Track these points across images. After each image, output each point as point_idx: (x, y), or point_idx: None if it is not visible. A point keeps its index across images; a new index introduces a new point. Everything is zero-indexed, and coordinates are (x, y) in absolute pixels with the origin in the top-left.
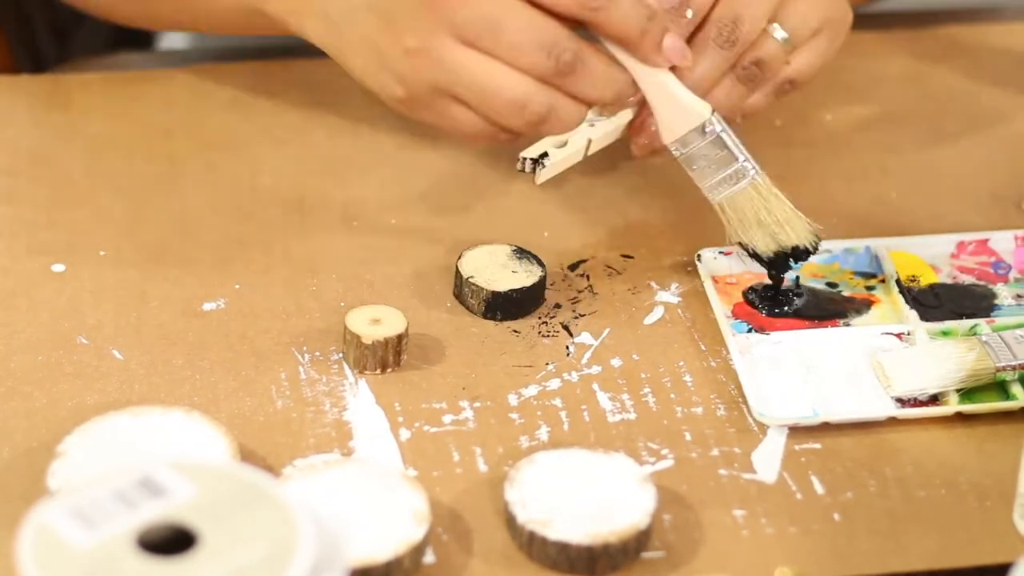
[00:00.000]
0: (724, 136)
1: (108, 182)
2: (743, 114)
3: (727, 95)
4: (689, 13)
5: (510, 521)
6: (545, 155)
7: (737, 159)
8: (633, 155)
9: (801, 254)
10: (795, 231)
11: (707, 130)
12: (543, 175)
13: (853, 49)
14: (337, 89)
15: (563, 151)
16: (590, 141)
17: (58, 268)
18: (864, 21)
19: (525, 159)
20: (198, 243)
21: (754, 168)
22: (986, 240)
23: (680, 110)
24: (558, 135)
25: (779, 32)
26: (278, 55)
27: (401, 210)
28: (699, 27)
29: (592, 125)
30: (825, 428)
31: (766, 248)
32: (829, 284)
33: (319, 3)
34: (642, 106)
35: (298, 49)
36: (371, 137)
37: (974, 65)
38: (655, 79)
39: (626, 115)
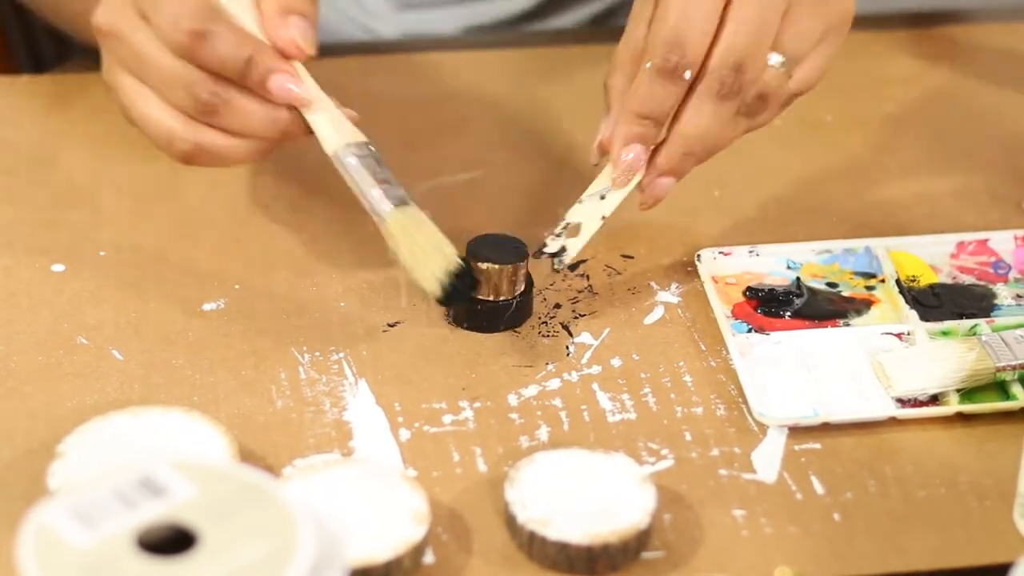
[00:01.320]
0: (351, 172)
1: (108, 182)
2: (750, 131)
3: (730, 133)
4: (687, 75)
5: (510, 521)
6: (563, 250)
7: (366, 199)
8: (642, 209)
9: (458, 290)
10: (424, 270)
11: (342, 158)
12: (565, 264)
13: (853, 49)
14: (337, 89)
15: (580, 240)
16: (603, 218)
17: (58, 268)
18: (864, 21)
19: (543, 252)
20: (198, 243)
21: (384, 210)
22: (986, 240)
23: (325, 135)
24: (226, 166)
25: (775, 58)
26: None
27: None
28: (698, 77)
29: (603, 198)
30: (825, 428)
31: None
32: (829, 284)
33: None
34: (648, 167)
35: None
36: (371, 137)
37: (974, 65)
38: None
39: (636, 180)
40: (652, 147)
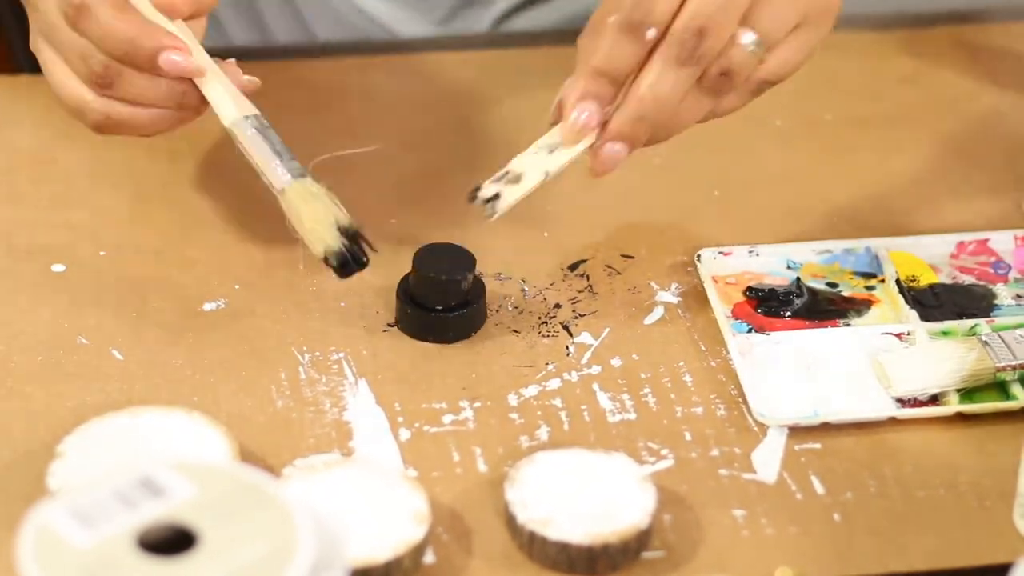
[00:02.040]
0: (250, 144)
1: (108, 182)
2: (717, 116)
3: (691, 109)
4: (650, 32)
5: (510, 521)
6: (497, 196)
7: (266, 170)
8: (592, 176)
9: (353, 257)
10: (320, 240)
11: (241, 130)
12: (497, 213)
13: (853, 49)
14: (337, 89)
15: (518, 189)
16: (547, 173)
17: (58, 268)
18: (864, 21)
19: (477, 196)
20: (198, 243)
21: (284, 181)
22: (986, 240)
23: (221, 107)
24: (145, 135)
25: (748, 37)
26: (278, 55)
27: (401, 210)
28: (659, 41)
29: (551, 152)
30: (825, 428)
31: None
32: (829, 284)
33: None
34: (601, 131)
35: (298, 49)
36: (371, 137)
37: (974, 65)
38: (200, 82)
39: (586, 142)
40: (607, 110)
